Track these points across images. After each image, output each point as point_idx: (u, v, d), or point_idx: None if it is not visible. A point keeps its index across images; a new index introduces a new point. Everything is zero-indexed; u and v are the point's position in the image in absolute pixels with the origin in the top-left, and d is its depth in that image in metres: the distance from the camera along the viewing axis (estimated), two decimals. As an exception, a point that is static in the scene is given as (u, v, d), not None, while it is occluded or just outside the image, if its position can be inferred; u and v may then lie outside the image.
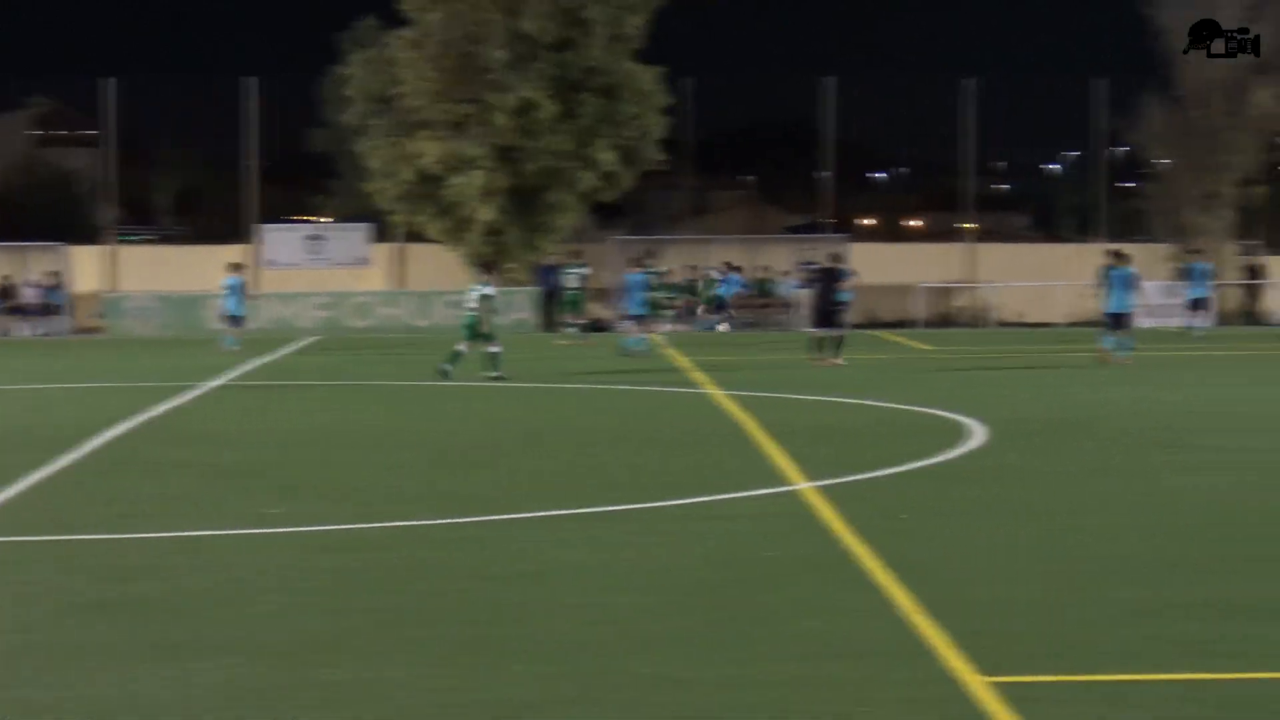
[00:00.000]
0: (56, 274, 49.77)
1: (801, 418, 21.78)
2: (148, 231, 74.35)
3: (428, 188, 48.16)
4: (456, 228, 48.72)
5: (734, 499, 14.69)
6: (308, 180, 70.22)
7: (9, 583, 11.25)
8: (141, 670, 8.84)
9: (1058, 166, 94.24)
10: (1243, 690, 8.37)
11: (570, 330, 41.57)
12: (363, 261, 52.01)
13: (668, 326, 44.59)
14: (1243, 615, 9.94)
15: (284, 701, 8.22)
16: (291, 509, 14.27)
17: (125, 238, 60.07)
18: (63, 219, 58.29)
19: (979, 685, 8.32)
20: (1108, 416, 21.90)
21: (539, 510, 14.04)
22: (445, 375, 28.11)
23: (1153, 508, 14.09)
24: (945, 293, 52.80)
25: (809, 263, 49.59)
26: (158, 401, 24.13)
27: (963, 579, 11.07)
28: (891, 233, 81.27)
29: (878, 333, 43.70)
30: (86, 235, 54.45)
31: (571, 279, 42.44)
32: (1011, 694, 8.16)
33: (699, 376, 28.86)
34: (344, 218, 57.93)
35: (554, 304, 46.27)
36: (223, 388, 27.64)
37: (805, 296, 45.81)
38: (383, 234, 52.83)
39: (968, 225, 58.27)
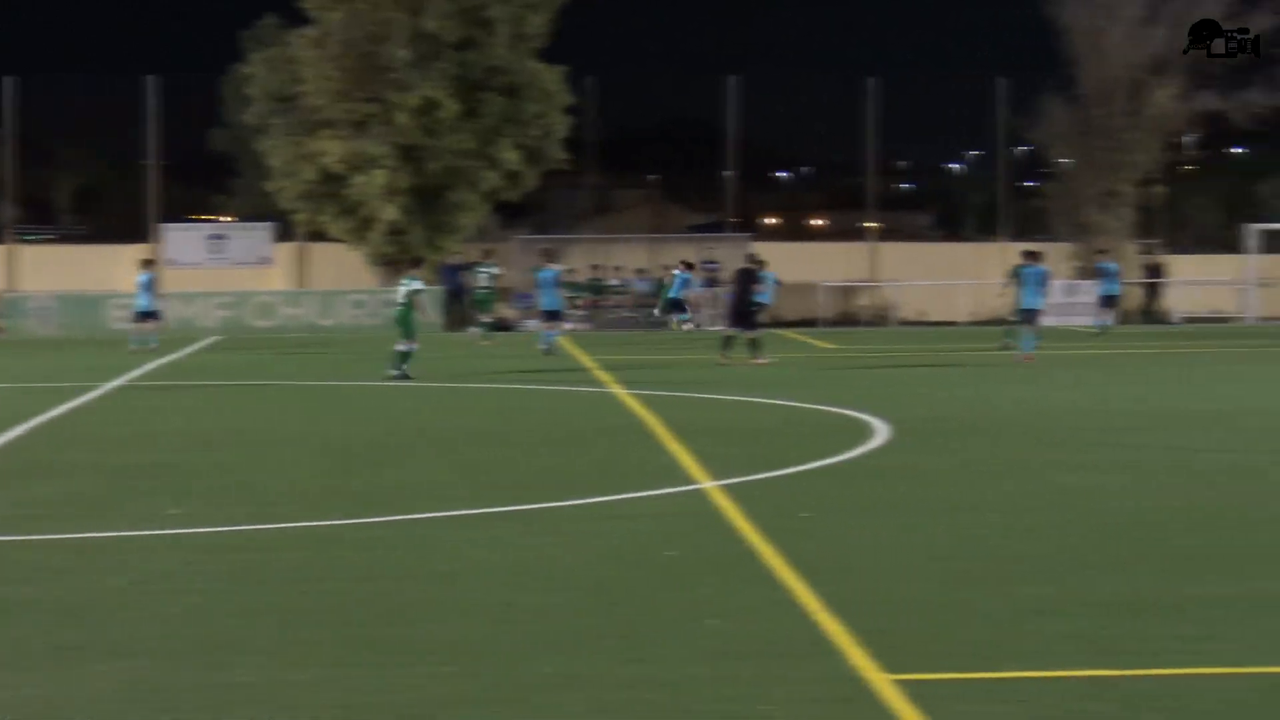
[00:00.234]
0: (-46, 274, 49.21)
1: (706, 417, 21.83)
2: (48, 231, 73.37)
3: (330, 187, 47.99)
4: (359, 227, 48.57)
5: (638, 498, 14.69)
6: (209, 179, 69.70)
7: (-96, 586, 11.10)
8: (40, 673, 8.74)
9: (960, 166, 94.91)
10: (1146, 686, 8.43)
11: (475, 330, 41.41)
12: (265, 261, 51.80)
13: (570, 325, 44.52)
14: (1145, 612, 10.02)
15: (186, 703, 8.15)
16: (192, 510, 14.14)
17: (25, 237, 59.30)
18: (-40, 218, 57.51)
19: (883, 683, 8.35)
20: (1010, 415, 22.09)
21: (443, 510, 13.99)
22: (405, 378, 27.84)
23: (1053, 506, 14.17)
24: (848, 291, 53.06)
25: (711, 262, 49.84)
26: (57, 403, 23.88)
27: (866, 577, 11.11)
28: (795, 232, 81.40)
29: (782, 332, 43.80)
30: (-15, 234, 53.84)
31: (482, 278, 42.28)
32: (916, 692, 8.19)
33: (604, 376, 28.86)
34: (246, 217, 57.49)
35: (459, 303, 46.10)
36: (123, 388, 27.39)
37: (708, 296, 46.24)
38: (285, 233, 52.60)
39: (870, 224, 58.58)
